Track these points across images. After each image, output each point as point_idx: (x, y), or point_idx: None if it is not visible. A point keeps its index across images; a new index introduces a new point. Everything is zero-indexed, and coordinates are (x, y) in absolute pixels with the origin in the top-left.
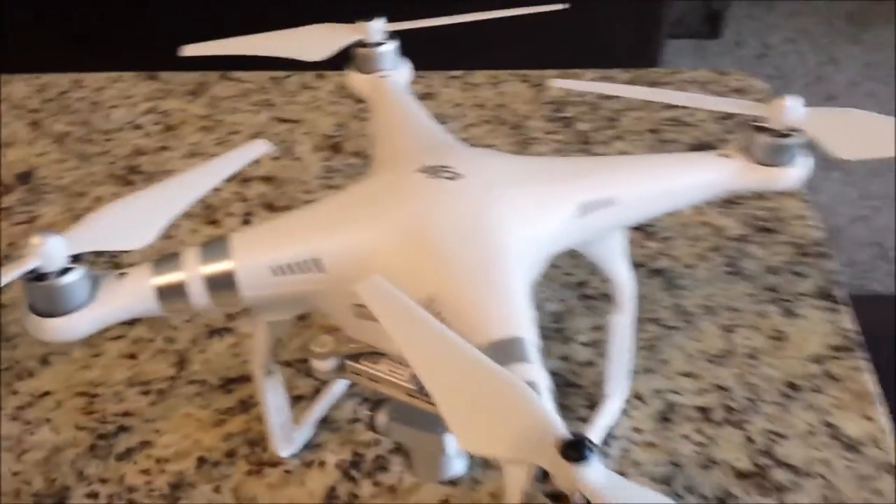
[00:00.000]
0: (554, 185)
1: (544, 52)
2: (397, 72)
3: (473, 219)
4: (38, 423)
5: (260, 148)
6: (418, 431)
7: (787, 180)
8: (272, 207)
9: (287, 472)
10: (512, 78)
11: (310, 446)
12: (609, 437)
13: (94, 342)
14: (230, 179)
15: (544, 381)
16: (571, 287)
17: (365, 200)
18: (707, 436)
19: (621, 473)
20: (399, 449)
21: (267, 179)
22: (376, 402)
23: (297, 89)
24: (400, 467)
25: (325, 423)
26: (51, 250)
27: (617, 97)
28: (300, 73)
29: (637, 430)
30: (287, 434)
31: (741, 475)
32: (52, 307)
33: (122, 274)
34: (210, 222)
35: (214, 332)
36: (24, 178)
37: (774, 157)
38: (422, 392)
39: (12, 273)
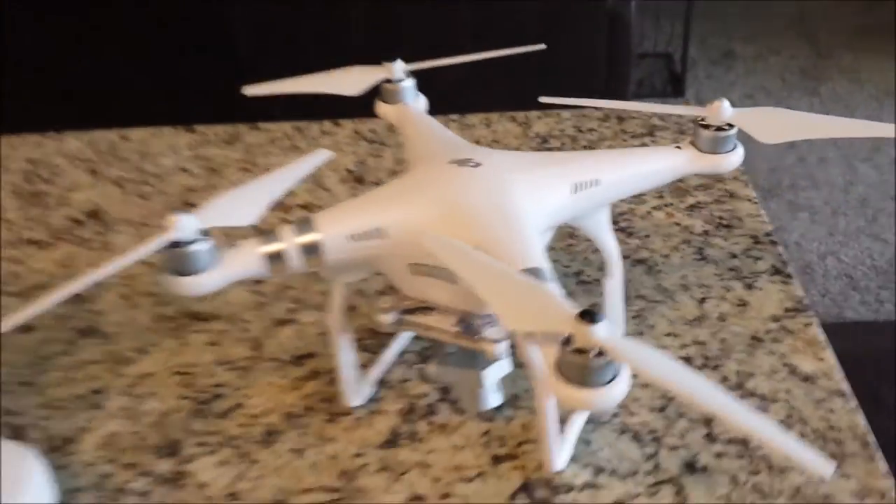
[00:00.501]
0: (552, 169)
1: (524, 104)
2: (416, 102)
3: (496, 193)
4: (146, 396)
5: (324, 154)
6: (462, 370)
7: (727, 165)
8: None
9: (357, 418)
10: (502, 118)
11: (372, 400)
12: None
13: (180, 335)
14: (284, 196)
15: (558, 290)
16: (570, 276)
17: (414, 184)
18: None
19: (622, 408)
20: (444, 399)
21: (304, 206)
22: (425, 358)
23: (318, 135)
24: (447, 411)
25: (382, 383)
26: (185, 225)
27: (593, 130)
28: (319, 122)
29: (633, 376)
30: (356, 387)
31: None
32: (186, 269)
33: (235, 245)
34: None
35: (280, 322)
36: (94, 214)
37: (715, 147)
38: (465, 333)
39: (158, 243)
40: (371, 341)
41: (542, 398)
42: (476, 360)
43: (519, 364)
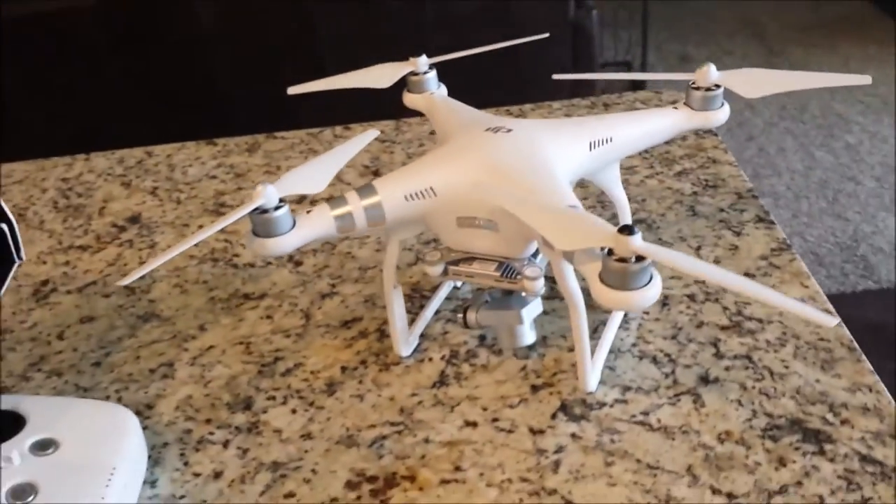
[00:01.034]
0: (572, 129)
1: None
2: (440, 90)
3: (529, 152)
4: (212, 364)
5: (373, 133)
6: (502, 311)
7: (716, 120)
8: None
9: (407, 366)
10: (499, 111)
11: (417, 350)
12: (628, 319)
13: (235, 313)
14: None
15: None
16: None
17: (457, 149)
18: (695, 309)
19: (639, 339)
20: (482, 344)
21: (328, 199)
22: (465, 308)
23: (331, 139)
24: (486, 354)
25: (423, 336)
26: (269, 193)
27: None
28: (331, 127)
29: (646, 312)
30: (405, 337)
31: (724, 328)
32: (269, 231)
33: (308, 211)
34: None
35: (325, 295)
36: (134, 220)
37: (706, 105)
38: (505, 276)
39: (246, 209)
40: (408, 304)
41: (578, 324)
42: (511, 304)
43: (545, 311)
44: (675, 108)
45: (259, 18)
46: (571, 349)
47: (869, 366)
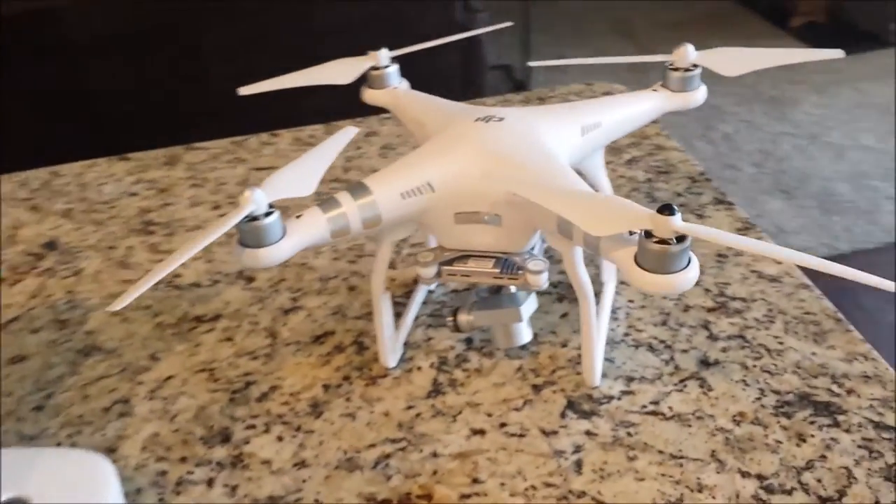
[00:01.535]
0: (564, 115)
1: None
2: (402, 84)
3: (526, 140)
4: (174, 396)
5: (353, 130)
6: (499, 310)
7: (695, 101)
8: None
9: (395, 378)
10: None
11: (402, 360)
12: (615, 309)
13: (189, 338)
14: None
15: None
16: None
17: (451, 141)
18: (678, 294)
19: (630, 328)
20: (470, 348)
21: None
22: (454, 310)
23: (258, 146)
24: (477, 357)
25: (406, 345)
26: (258, 199)
27: None
28: (256, 135)
29: (630, 301)
30: (393, 346)
31: (710, 310)
32: (260, 241)
33: (298, 216)
34: None
35: (287, 310)
36: (51, 245)
37: (684, 86)
38: (503, 274)
39: (237, 217)
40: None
41: (588, 317)
42: (503, 302)
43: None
44: (655, 90)
45: (142, 30)
46: (564, 345)
47: (859, 335)
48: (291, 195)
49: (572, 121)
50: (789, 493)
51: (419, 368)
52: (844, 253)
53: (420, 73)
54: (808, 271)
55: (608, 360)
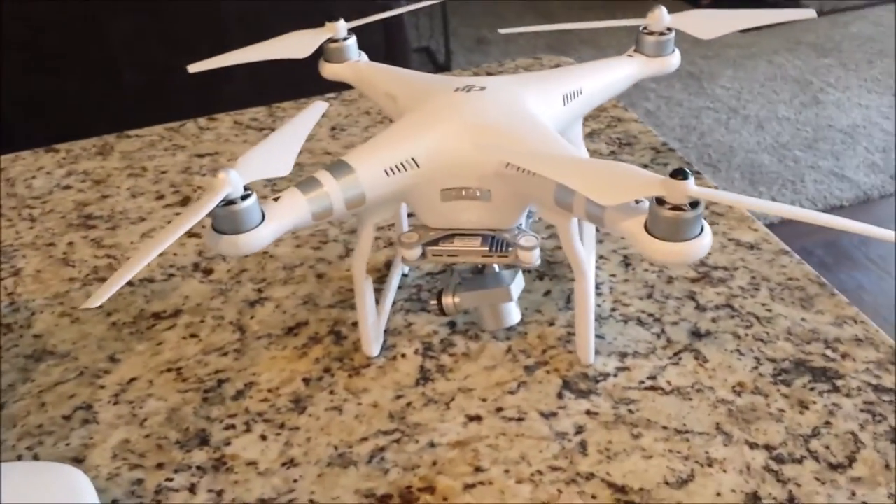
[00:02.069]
0: (546, 83)
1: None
2: (363, 56)
3: (512, 108)
4: (141, 399)
5: (323, 105)
6: (487, 290)
7: (670, 66)
8: None
9: (379, 367)
10: None
11: (384, 348)
12: (598, 284)
13: (149, 336)
14: None
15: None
16: None
17: (433, 113)
18: (659, 265)
19: (616, 303)
20: (454, 332)
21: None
22: (438, 293)
23: (196, 132)
24: (462, 341)
25: (386, 332)
26: (234, 180)
27: None
28: (193, 120)
29: (612, 275)
30: (376, 334)
31: (694, 280)
32: (238, 227)
33: (276, 198)
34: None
35: (253, 302)
36: None
37: (660, 51)
38: (492, 252)
39: (212, 202)
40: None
41: (584, 294)
42: (488, 282)
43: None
44: (630, 55)
45: (44, 20)
46: (552, 323)
47: (844, 298)
48: (267, 175)
49: (554, 88)
50: (800, 461)
51: (403, 356)
52: (773, 222)
53: None
54: (785, 237)
55: (599, 336)
